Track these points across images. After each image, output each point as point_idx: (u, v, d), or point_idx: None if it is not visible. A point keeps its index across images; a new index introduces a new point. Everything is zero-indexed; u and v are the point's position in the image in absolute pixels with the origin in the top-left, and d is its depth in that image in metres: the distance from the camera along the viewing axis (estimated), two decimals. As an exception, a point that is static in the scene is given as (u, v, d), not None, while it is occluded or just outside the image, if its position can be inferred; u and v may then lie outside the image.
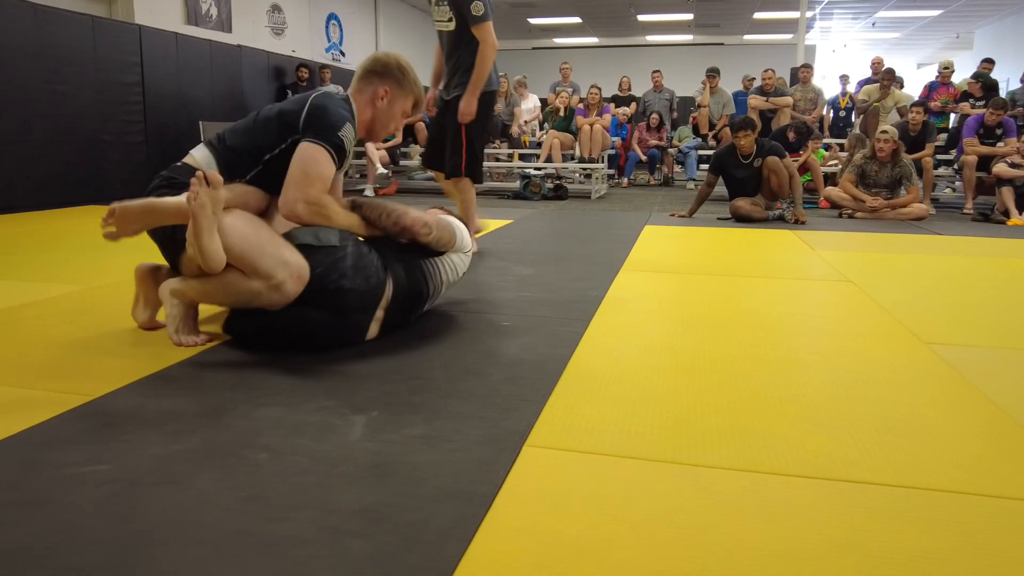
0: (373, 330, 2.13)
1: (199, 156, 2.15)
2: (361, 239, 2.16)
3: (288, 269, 1.93)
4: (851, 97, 8.85)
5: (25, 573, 1.01)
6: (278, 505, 1.20)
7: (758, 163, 5.45)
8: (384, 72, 2.30)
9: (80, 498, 1.22)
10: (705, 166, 7.27)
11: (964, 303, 2.79)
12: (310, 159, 2.06)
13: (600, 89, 8.53)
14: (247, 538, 1.11)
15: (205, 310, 2.34)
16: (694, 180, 8.47)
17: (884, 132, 5.78)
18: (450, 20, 3.53)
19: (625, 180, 9.08)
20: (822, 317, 2.56)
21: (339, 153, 2.13)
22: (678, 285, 3.09)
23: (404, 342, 2.15)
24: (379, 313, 2.12)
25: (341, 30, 11.76)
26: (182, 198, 1.90)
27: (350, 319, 2.06)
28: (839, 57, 17.80)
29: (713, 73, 8.79)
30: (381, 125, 2.35)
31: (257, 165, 2.14)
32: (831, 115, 8.89)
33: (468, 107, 3.53)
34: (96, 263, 3.45)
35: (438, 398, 1.71)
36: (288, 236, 2.05)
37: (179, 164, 2.16)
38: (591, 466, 1.38)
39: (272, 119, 2.17)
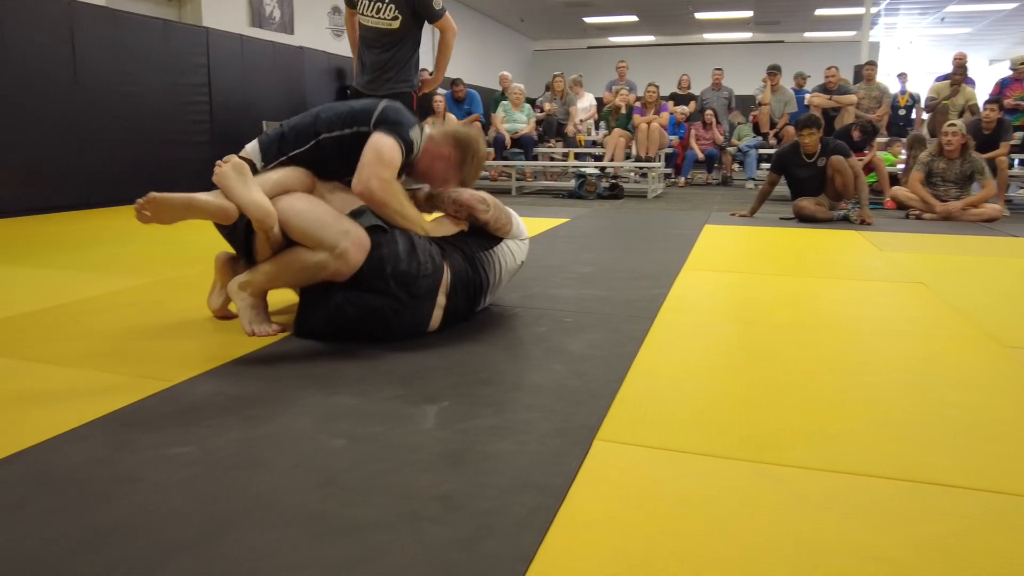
0: (436, 318, 2.16)
1: (250, 148, 2.28)
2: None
3: (349, 238, 2.01)
4: (911, 95, 8.56)
5: (123, 546, 1.06)
6: (356, 490, 1.23)
7: (822, 162, 5.31)
8: (464, 147, 2.36)
9: (167, 478, 1.27)
10: (766, 165, 7.13)
11: (1047, 306, 2.67)
12: (383, 145, 2.16)
13: (658, 87, 8.44)
14: (327, 521, 1.13)
15: (274, 302, 2.40)
16: (754, 179, 8.31)
17: (952, 125, 5.54)
18: (395, 18, 3.59)
19: (682, 179, 8.97)
20: (894, 319, 2.49)
21: (408, 149, 2.21)
22: (742, 285, 3.04)
23: (469, 336, 2.17)
24: (440, 299, 2.14)
25: (398, 31, 11.89)
26: (223, 199, 2.01)
27: (412, 305, 2.09)
28: (904, 54, 17.23)
29: (774, 71, 8.59)
30: (419, 171, 2.39)
31: (310, 141, 2.24)
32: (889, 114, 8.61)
33: (437, 83, 3.94)
34: (166, 257, 3.57)
35: (506, 391, 1.72)
36: None
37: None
38: (664, 461, 1.37)
39: (342, 108, 2.28)
